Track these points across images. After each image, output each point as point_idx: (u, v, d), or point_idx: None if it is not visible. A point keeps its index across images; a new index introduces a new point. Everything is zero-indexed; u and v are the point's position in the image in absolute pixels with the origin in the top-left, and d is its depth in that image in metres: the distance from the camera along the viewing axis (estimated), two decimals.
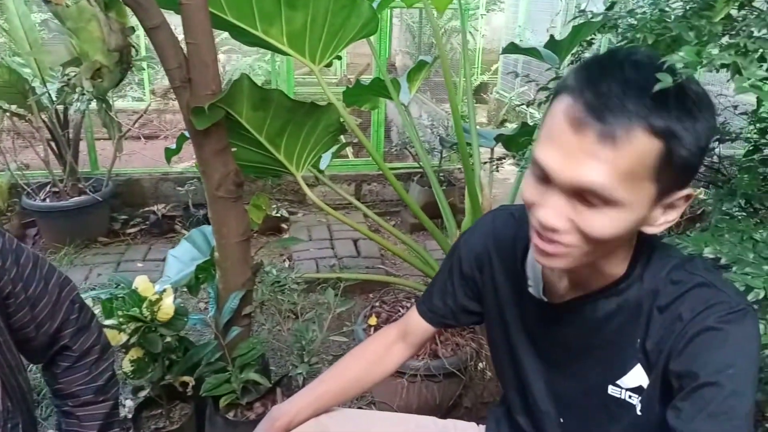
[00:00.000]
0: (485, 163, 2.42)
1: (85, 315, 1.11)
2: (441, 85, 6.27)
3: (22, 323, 0.95)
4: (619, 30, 1.26)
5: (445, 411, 2.00)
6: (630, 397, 0.82)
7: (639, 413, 0.82)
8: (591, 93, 0.66)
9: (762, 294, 0.85)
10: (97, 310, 1.51)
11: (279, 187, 3.91)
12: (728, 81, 0.71)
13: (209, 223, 2.00)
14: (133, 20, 1.43)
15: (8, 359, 0.92)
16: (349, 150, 4.53)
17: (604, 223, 0.69)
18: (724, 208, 1.16)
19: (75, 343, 1.08)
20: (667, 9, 0.87)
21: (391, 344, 1.15)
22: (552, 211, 0.71)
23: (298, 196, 4.00)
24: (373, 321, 2.06)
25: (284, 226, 3.73)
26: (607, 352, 0.84)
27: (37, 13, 4.36)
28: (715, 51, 0.63)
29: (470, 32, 7.71)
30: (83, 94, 2.41)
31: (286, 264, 3.20)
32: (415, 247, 2.04)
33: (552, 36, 2.25)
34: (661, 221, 0.73)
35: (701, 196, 1.62)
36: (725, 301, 0.73)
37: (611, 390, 0.84)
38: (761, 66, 0.61)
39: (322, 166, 2.26)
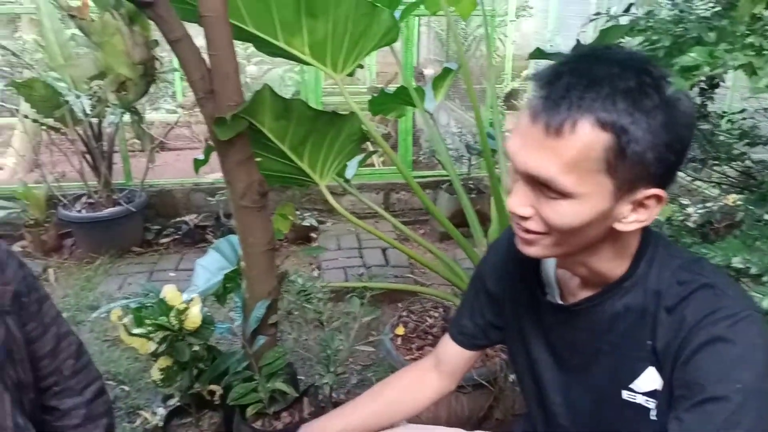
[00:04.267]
0: None
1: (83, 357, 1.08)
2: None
3: (33, 335, 0.96)
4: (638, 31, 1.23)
5: (475, 423, 1.97)
6: (647, 401, 0.81)
7: (654, 418, 0.80)
8: (548, 85, 0.69)
9: None
10: (126, 319, 1.54)
11: (308, 196, 3.93)
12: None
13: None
14: (156, 33, 1.46)
15: (21, 377, 0.92)
16: (377, 158, 4.54)
17: (561, 213, 0.71)
18: (755, 215, 1.11)
19: (71, 379, 1.04)
20: (684, 10, 0.84)
21: (425, 373, 1.13)
22: (517, 199, 0.75)
23: (327, 205, 3.97)
24: (400, 331, 2.04)
25: (313, 235, 3.74)
26: (615, 356, 0.83)
27: (70, 28, 4.50)
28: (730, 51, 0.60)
29: (499, 39, 7.64)
30: (107, 107, 2.47)
31: (315, 273, 3.21)
32: (443, 257, 2.02)
33: (578, 41, 2.22)
34: (632, 219, 0.74)
35: (734, 203, 1.56)
36: (729, 306, 0.72)
37: (626, 395, 0.82)
38: None
39: (348, 174, 2.26)
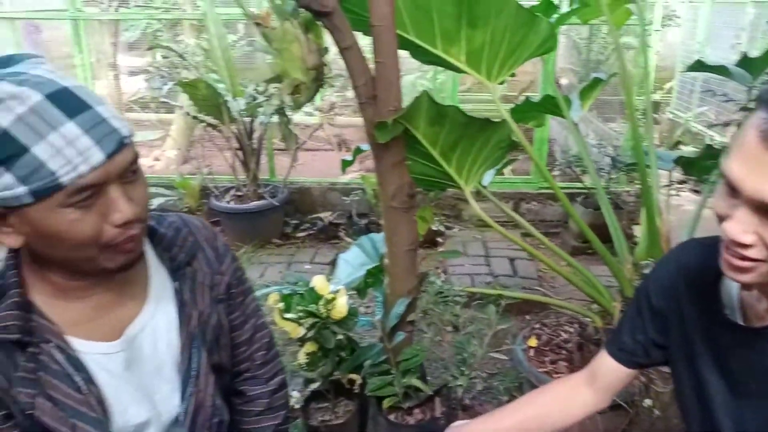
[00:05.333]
0: (663, 186, 2.29)
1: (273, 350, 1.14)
2: (608, 103, 5.98)
3: (235, 324, 1.04)
4: None
5: None
6: None
7: None
8: None
9: None
10: (281, 304, 1.66)
11: (437, 201, 3.99)
12: None
13: (370, 232, 2.08)
14: (326, 41, 1.57)
15: (223, 361, 1.01)
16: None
17: None
18: None
19: (261, 369, 1.10)
20: None
21: (577, 387, 1.10)
22: (739, 225, 0.71)
23: (454, 211, 4.05)
24: (533, 342, 2.02)
25: (440, 239, 3.79)
26: None
27: (229, 33, 4.88)
28: None
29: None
30: (282, 108, 2.67)
31: (442, 277, 3.25)
32: (584, 271, 1.98)
33: (744, 53, 2.11)
34: None
35: None
36: None
37: None
38: None
39: (486, 181, 2.28)
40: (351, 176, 4.14)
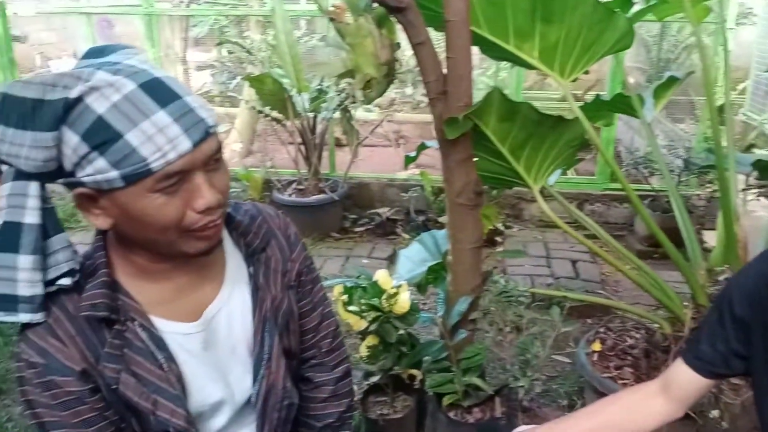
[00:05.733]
0: (739, 191, 2.19)
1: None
2: (677, 103, 5.76)
3: (304, 311, 1.06)
4: None
5: None
6: None
7: None
8: None
9: None
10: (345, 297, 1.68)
11: (496, 200, 3.94)
12: None
13: (428, 229, 2.06)
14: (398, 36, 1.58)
15: (292, 346, 1.03)
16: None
17: None
18: None
19: (327, 356, 1.11)
20: None
21: (650, 396, 1.06)
22: None
23: (514, 211, 3.99)
24: (597, 347, 1.97)
25: (498, 239, 3.74)
26: None
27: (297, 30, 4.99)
28: None
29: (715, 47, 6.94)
30: (345, 104, 2.69)
31: (502, 277, 3.21)
32: (651, 272, 1.92)
33: None
34: None
35: None
36: None
37: None
38: None
39: (551, 181, 2.23)
40: (409, 172, 4.14)
